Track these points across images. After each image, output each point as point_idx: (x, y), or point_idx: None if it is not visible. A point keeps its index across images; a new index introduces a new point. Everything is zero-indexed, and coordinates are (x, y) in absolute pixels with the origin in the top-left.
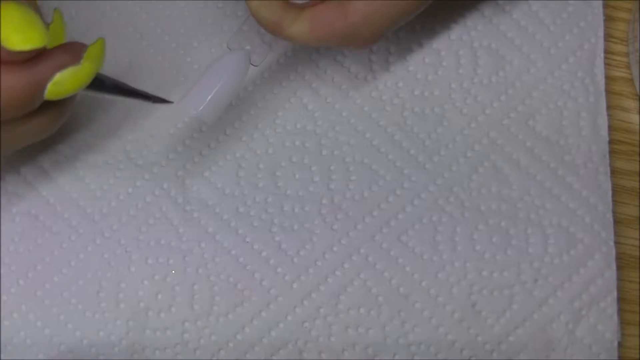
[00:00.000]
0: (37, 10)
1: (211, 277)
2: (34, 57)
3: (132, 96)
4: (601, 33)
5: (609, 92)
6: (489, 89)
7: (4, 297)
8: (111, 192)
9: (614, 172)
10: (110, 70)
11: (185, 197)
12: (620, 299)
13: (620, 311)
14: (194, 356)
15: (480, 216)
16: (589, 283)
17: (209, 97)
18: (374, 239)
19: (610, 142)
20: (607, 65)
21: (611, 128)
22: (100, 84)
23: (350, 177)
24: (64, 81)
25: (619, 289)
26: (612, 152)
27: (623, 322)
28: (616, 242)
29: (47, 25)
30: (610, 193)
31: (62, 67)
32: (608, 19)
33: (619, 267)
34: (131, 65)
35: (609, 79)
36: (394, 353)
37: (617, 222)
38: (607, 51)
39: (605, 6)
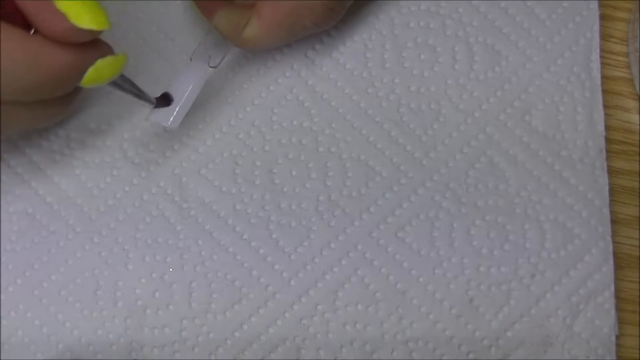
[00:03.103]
0: None
1: (209, 275)
2: (86, 42)
3: (140, 97)
4: (597, 28)
5: (609, 92)
6: (485, 84)
7: (1, 296)
8: (108, 191)
9: (614, 172)
10: None
11: (182, 195)
12: (620, 299)
13: (620, 311)
14: (192, 354)
15: (477, 212)
16: (586, 278)
17: (177, 110)
18: (371, 235)
19: (610, 142)
20: (607, 65)
21: (611, 128)
22: (121, 80)
23: (347, 174)
24: (103, 68)
25: (619, 289)
26: (612, 152)
27: (622, 322)
28: (616, 242)
29: None
30: (607, 188)
31: (103, 55)
32: (608, 19)
33: (619, 267)
34: (128, 63)
35: (609, 79)
36: (391, 349)
37: (617, 222)
38: (607, 51)
39: (604, 6)
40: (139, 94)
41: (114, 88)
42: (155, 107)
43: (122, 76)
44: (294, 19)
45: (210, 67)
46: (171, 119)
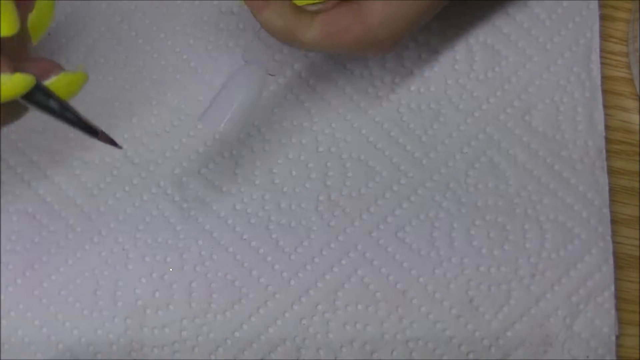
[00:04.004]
0: None
1: (209, 275)
2: None
3: (77, 127)
4: (596, 28)
5: (609, 92)
6: (485, 84)
7: (1, 296)
8: (108, 191)
9: (614, 172)
10: (107, 68)
11: (182, 195)
12: (620, 299)
13: (620, 311)
14: (192, 354)
15: (477, 212)
16: (586, 278)
17: (230, 114)
18: (371, 235)
19: (610, 142)
20: (607, 65)
21: (611, 128)
22: (45, 103)
23: (347, 174)
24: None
25: (619, 289)
26: (612, 152)
27: (622, 322)
28: (616, 242)
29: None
30: (607, 188)
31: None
32: (608, 19)
33: (619, 267)
34: (127, 63)
35: (609, 79)
36: (392, 349)
37: (617, 222)
38: (607, 51)
39: (604, 6)
40: (78, 125)
41: (40, 111)
42: (99, 139)
43: (48, 104)
44: (359, 46)
45: (270, 75)
46: (222, 125)
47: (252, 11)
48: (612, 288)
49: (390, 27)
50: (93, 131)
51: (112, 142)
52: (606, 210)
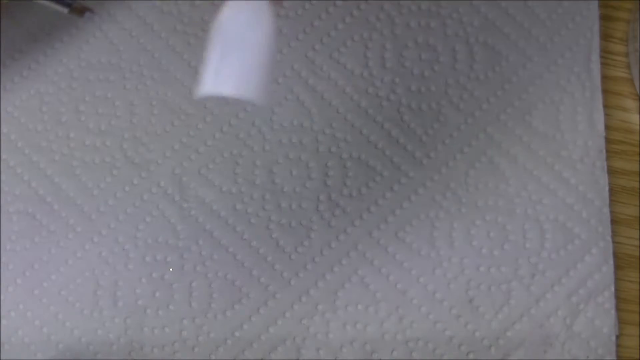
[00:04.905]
0: None
1: (209, 275)
2: None
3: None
4: (597, 28)
5: (609, 92)
6: (486, 84)
7: (1, 296)
8: (108, 191)
9: (613, 172)
10: (106, 68)
11: (182, 195)
12: (620, 299)
13: (620, 311)
14: (192, 354)
15: (477, 212)
16: (586, 278)
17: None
18: (372, 235)
19: (610, 142)
20: (607, 65)
21: (611, 128)
22: None
23: (347, 174)
24: None
25: (619, 289)
26: (612, 152)
27: (622, 322)
28: (616, 242)
29: None
30: (607, 188)
31: None
32: (608, 19)
33: (619, 267)
34: (127, 63)
35: (609, 79)
36: (392, 349)
37: (617, 222)
38: (607, 51)
39: (604, 6)
40: None
41: None
42: (71, 11)
43: None
44: None
45: None
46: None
47: None
48: (612, 288)
49: None
50: (67, 3)
51: (86, 9)
52: (606, 210)
